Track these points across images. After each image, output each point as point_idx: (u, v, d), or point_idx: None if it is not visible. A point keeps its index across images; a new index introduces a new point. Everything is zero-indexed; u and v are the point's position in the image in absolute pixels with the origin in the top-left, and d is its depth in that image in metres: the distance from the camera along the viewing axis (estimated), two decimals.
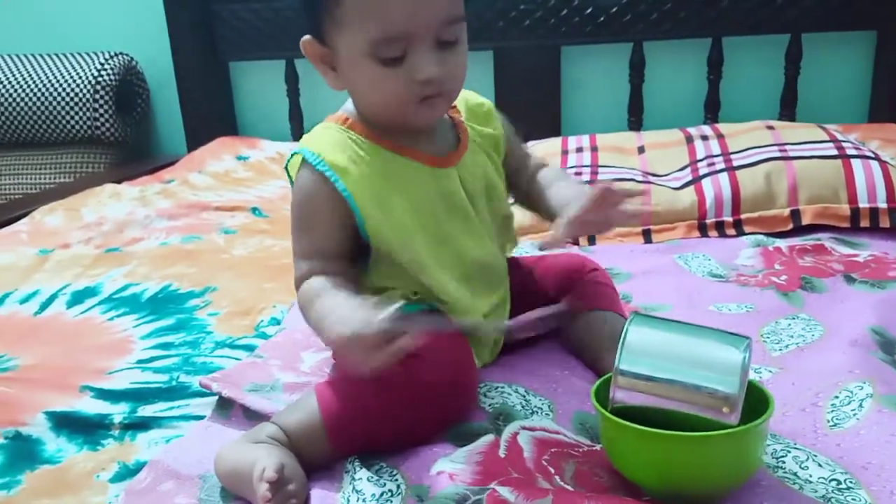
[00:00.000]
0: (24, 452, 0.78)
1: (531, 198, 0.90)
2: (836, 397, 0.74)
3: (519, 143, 0.92)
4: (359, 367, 0.66)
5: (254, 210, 1.55)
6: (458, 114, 0.85)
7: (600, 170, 1.36)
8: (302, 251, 0.78)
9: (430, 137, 0.81)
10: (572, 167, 1.39)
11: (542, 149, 1.52)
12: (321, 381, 0.75)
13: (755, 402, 0.63)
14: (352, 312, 0.66)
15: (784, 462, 0.66)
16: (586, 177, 1.34)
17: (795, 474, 0.64)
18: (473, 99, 0.86)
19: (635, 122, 1.77)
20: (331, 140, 0.77)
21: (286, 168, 0.80)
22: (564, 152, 1.47)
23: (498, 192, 0.86)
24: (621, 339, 0.64)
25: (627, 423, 0.61)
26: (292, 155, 0.78)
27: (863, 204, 1.21)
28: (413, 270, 0.77)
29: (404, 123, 0.77)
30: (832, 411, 0.73)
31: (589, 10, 1.71)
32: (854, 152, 1.27)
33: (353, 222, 0.75)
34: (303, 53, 0.78)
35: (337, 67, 0.77)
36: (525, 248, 1.20)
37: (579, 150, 1.47)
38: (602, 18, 1.71)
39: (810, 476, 0.64)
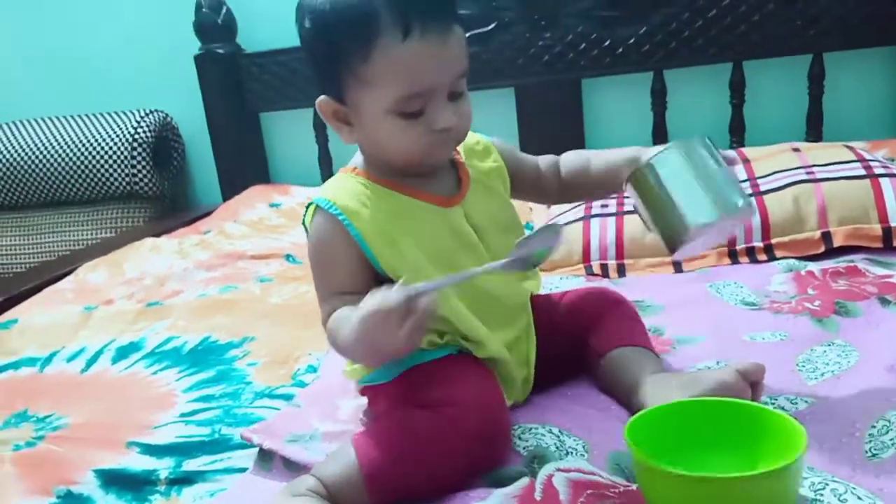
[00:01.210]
0: None
1: (574, 183, 0.95)
2: (874, 427, 0.74)
3: (524, 156, 0.95)
4: (389, 347, 0.69)
5: (287, 257, 1.59)
6: (458, 155, 0.87)
7: (626, 200, 1.37)
8: (324, 293, 0.81)
9: (436, 179, 0.84)
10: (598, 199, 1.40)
11: None
12: (358, 432, 0.76)
13: (789, 438, 0.63)
14: (367, 300, 0.69)
15: (822, 495, 0.65)
16: (612, 208, 1.35)
17: None
18: (469, 139, 0.89)
19: None
20: (341, 187, 0.81)
21: (303, 222, 0.83)
22: None
23: (510, 224, 0.88)
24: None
25: (662, 467, 0.61)
26: (307, 207, 0.81)
27: (894, 223, 1.19)
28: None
29: (420, 166, 0.81)
30: (870, 441, 0.72)
31: (607, 43, 1.73)
32: (882, 171, 1.26)
33: (368, 261, 0.79)
34: (318, 112, 0.82)
35: (354, 122, 0.80)
36: (555, 283, 1.21)
37: None
38: (621, 50, 1.72)
39: None
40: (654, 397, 0.76)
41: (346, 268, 0.79)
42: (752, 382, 0.76)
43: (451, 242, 0.82)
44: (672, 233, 0.76)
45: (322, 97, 0.80)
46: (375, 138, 0.79)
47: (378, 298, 0.67)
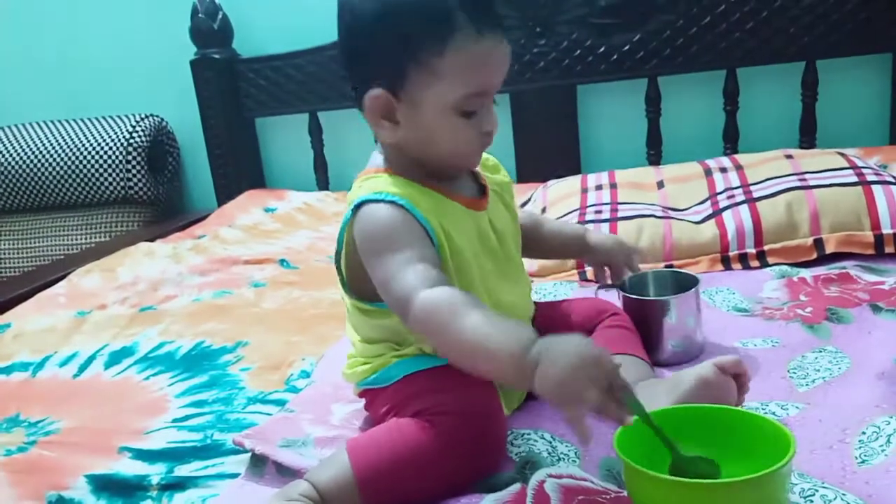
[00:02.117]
0: None
1: (542, 240, 1.00)
2: (864, 433, 0.74)
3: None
4: (573, 400, 0.60)
5: (282, 262, 1.59)
6: None
7: (620, 207, 1.37)
8: (402, 263, 0.72)
9: (460, 184, 0.85)
10: (592, 205, 1.40)
11: (561, 188, 1.54)
12: (351, 438, 0.76)
13: (778, 444, 0.63)
14: (565, 342, 0.62)
15: (812, 501, 0.65)
16: (606, 214, 1.35)
17: None
18: None
19: (654, 155, 1.79)
20: (387, 182, 0.79)
21: (344, 225, 0.80)
22: (584, 190, 1.48)
23: (517, 239, 0.91)
24: None
25: (651, 472, 0.61)
26: (355, 208, 0.77)
27: (886, 230, 1.20)
28: None
29: (461, 168, 0.84)
30: (860, 447, 0.72)
31: (602, 50, 1.74)
32: (874, 178, 1.27)
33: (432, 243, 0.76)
34: (364, 106, 0.78)
35: (402, 120, 0.78)
36: (549, 289, 1.22)
37: (598, 187, 1.48)
38: (615, 56, 1.73)
39: None
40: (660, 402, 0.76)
41: (422, 241, 0.75)
42: (734, 376, 0.76)
43: (478, 244, 0.83)
44: None
45: (377, 90, 0.77)
46: (430, 136, 0.78)
47: (589, 354, 0.60)
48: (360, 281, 0.81)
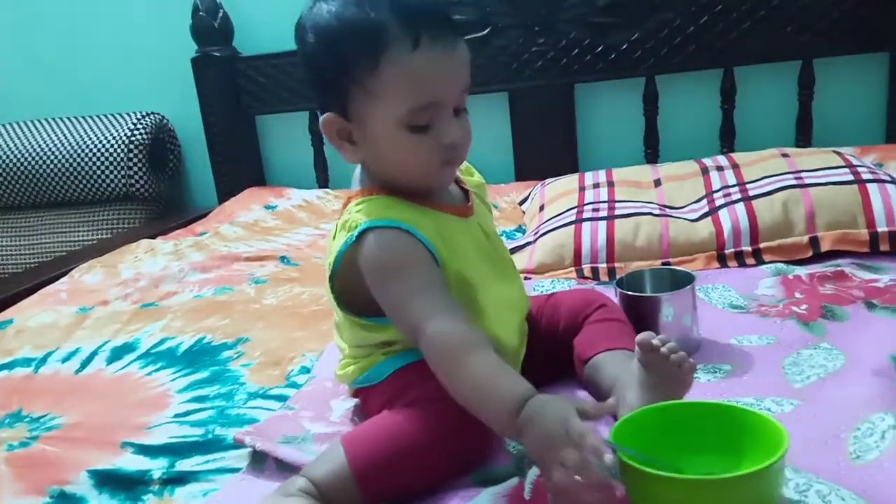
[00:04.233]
0: None
1: None
2: (858, 429, 0.75)
3: None
4: (551, 464, 0.61)
5: (282, 259, 1.60)
6: None
7: (617, 205, 1.38)
8: (412, 291, 0.74)
9: (446, 192, 0.86)
10: (589, 203, 1.41)
11: (559, 186, 1.55)
12: (346, 432, 0.77)
13: (772, 440, 0.64)
14: (554, 410, 0.63)
15: (807, 496, 0.66)
16: (604, 212, 1.36)
17: None
18: None
19: (651, 153, 1.80)
20: (383, 206, 0.79)
21: (344, 249, 0.78)
22: (581, 189, 1.49)
23: (498, 235, 0.93)
24: None
25: (646, 468, 0.62)
26: (356, 236, 0.77)
27: (881, 228, 1.21)
28: (472, 313, 0.80)
29: (427, 186, 0.82)
30: (854, 443, 0.73)
31: (600, 48, 1.74)
32: (870, 176, 1.28)
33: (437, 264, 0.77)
34: (321, 130, 0.81)
35: (357, 140, 0.79)
36: (546, 287, 1.22)
37: (596, 185, 1.49)
38: (613, 55, 1.74)
39: None
40: (632, 401, 0.77)
41: (429, 265, 0.77)
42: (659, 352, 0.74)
43: (474, 251, 0.84)
44: None
45: (328, 114, 0.79)
46: (383, 155, 0.79)
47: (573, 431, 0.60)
48: (354, 297, 0.82)
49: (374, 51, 0.74)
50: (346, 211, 0.82)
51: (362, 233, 0.77)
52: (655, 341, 0.74)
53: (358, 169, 0.86)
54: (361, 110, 0.77)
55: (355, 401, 0.91)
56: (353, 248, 0.78)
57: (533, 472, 0.72)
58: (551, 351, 0.91)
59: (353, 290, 0.81)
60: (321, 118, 0.80)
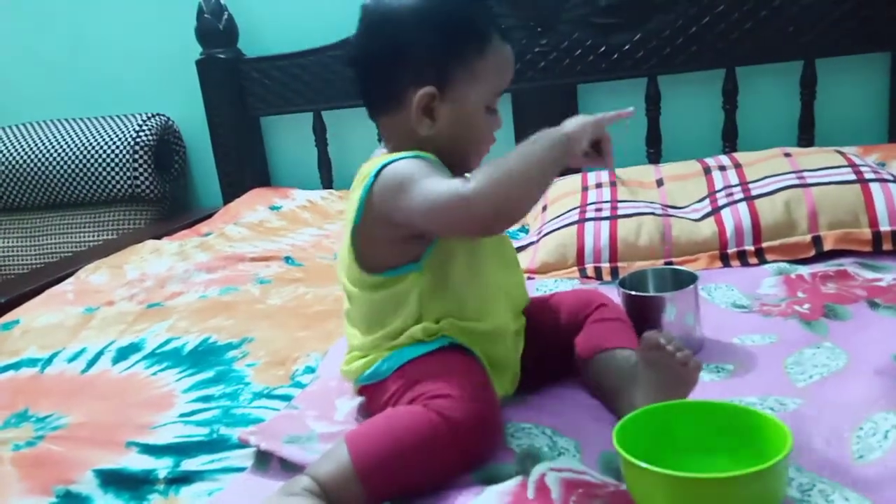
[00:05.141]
0: None
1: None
2: (861, 429, 0.75)
3: None
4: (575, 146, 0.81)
5: (287, 259, 1.60)
6: None
7: (620, 205, 1.38)
8: (439, 180, 0.78)
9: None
10: (592, 203, 1.41)
11: (562, 186, 1.55)
12: (350, 431, 0.77)
13: (776, 439, 0.64)
14: (568, 121, 0.83)
15: (810, 496, 0.66)
16: (606, 212, 1.37)
17: None
18: None
19: (654, 153, 1.80)
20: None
21: (365, 194, 0.82)
22: (584, 188, 1.49)
23: None
24: None
25: (649, 466, 0.62)
26: (377, 172, 0.81)
27: (884, 227, 1.21)
28: (476, 284, 0.84)
29: (472, 166, 0.88)
30: (858, 443, 0.73)
31: (603, 49, 1.75)
32: (872, 176, 1.28)
33: None
34: (413, 102, 0.83)
35: (439, 116, 0.84)
36: (549, 286, 1.23)
37: (598, 185, 1.49)
38: (616, 56, 1.74)
39: None
40: (636, 400, 0.77)
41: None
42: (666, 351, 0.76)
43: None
44: None
45: (428, 87, 0.82)
46: (463, 131, 0.85)
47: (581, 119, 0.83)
48: (376, 250, 0.84)
49: (483, 37, 0.83)
50: (363, 170, 0.85)
51: (381, 170, 0.80)
52: (661, 339, 0.76)
53: (378, 150, 0.90)
54: (459, 89, 0.83)
55: (360, 400, 0.91)
56: (372, 189, 0.81)
57: (536, 471, 0.73)
58: (551, 350, 0.91)
59: (375, 240, 0.83)
60: (420, 91, 0.82)
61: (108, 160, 2.09)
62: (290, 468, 0.81)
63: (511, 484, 0.71)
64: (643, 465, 0.62)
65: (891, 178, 1.29)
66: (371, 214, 0.82)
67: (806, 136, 1.70)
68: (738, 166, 1.43)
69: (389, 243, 0.83)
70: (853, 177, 1.28)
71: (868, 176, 1.28)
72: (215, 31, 2.01)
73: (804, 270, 1.17)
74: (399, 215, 0.79)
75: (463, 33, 0.83)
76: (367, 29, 0.86)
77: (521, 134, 1.83)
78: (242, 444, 0.87)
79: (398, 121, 0.85)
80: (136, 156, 2.08)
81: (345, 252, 0.87)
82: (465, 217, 0.75)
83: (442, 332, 0.83)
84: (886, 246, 1.20)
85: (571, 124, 0.82)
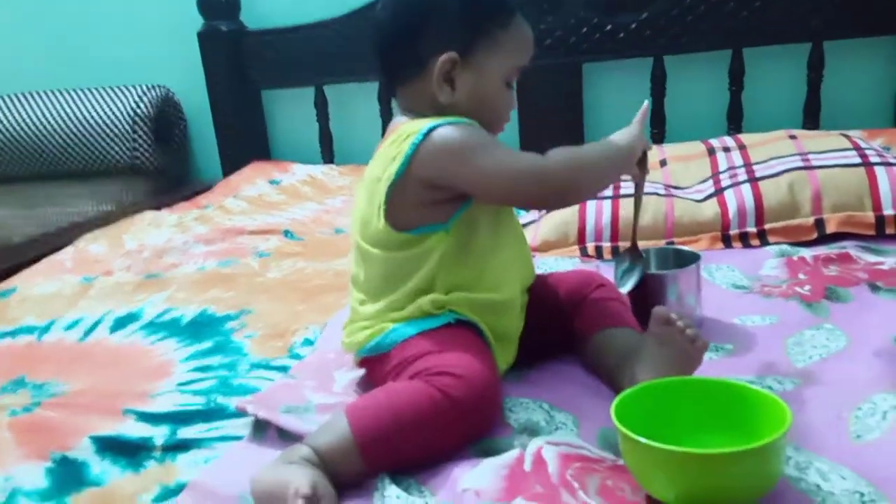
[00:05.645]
0: (71, 476, 0.81)
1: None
2: (860, 409, 0.75)
3: None
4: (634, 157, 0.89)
5: (286, 233, 1.60)
6: None
7: (622, 184, 1.37)
8: (508, 150, 0.83)
9: None
10: None
11: None
12: (350, 402, 0.77)
13: (775, 417, 0.64)
14: (621, 133, 0.90)
15: (807, 474, 0.66)
16: (609, 191, 1.36)
17: (818, 486, 0.65)
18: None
19: (658, 134, 1.78)
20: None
21: (410, 154, 0.82)
22: None
23: None
24: None
25: (647, 441, 0.62)
26: (426, 133, 0.81)
27: (887, 211, 1.20)
28: (486, 246, 0.85)
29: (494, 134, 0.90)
30: (856, 423, 0.73)
31: (609, 28, 1.73)
32: (877, 160, 1.27)
33: None
34: (435, 67, 0.84)
35: (459, 85, 0.85)
36: (550, 264, 1.22)
37: None
38: (622, 35, 1.73)
39: (833, 488, 0.64)
40: (639, 375, 0.77)
41: None
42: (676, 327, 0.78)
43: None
44: None
45: (450, 53, 0.84)
46: (482, 101, 0.86)
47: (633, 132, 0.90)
48: (403, 210, 0.83)
49: (510, 10, 0.86)
50: (400, 130, 0.85)
51: (429, 132, 0.81)
52: (672, 315, 0.77)
53: (398, 118, 0.90)
54: (481, 57, 0.85)
55: (359, 372, 0.91)
56: (419, 148, 0.81)
57: (533, 445, 0.73)
58: (550, 328, 0.91)
59: (404, 199, 0.83)
60: (442, 57, 0.83)
61: (108, 131, 2.07)
62: (287, 437, 0.81)
63: (508, 457, 0.71)
64: (642, 439, 0.62)
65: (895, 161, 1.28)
66: (411, 174, 0.82)
67: (811, 118, 1.69)
68: (742, 148, 1.42)
69: (418, 205, 0.83)
70: (858, 160, 1.27)
71: (873, 159, 1.27)
72: (217, 3, 1.99)
73: (806, 253, 1.17)
74: (454, 178, 0.81)
75: (491, 3, 0.85)
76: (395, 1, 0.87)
77: (525, 112, 1.83)
78: (239, 413, 0.87)
79: (419, 89, 0.86)
80: (136, 127, 2.06)
81: (370, 210, 0.86)
82: (538, 188, 0.81)
83: (449, 306, 0.83)
84: (889, 230, 1.20)
85: (625, 136, 0.89)
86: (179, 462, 0.82)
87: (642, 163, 0.92)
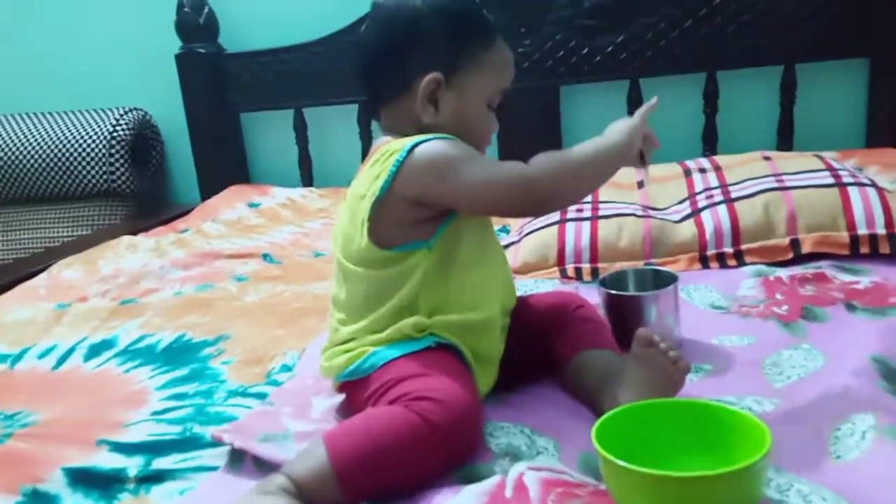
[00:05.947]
0: None
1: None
2: (839, 429, 0.75)
3: None
4: (632, 150, 0.87)
5: (265, 256, 1.59)
6: None
7: (601, 206, 1.38)
8: (491, 161, 0.84)
9: None
10: None
11: None
12: (328, 430, 0.76)
13: (755, 439, 0.64)
14: (618, 125, 0.87)
15: (788, 496, 0.66)
16: (587, 213, 1.36)
17: None
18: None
19: None
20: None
21: (394, 171, 0.82)
22: None
23: None
24: None
25: (627, 466, 0.62)
26: (409, 150, 0.81)
27: (861, 231, 1.22)
28: (468, 263, 0.85)
29: None
30: (835, 443, 0.73)
31: (586, 51, 1.75)
32: (850, 180, 1.29)
33: None
34: (420, 88, 0.84)
35: (443, 106, 0.86)
36: (529, 286, 1.22)
37: None
38: (598, 58, 1.75)
39: None
40: (621, 397, 0.77)
41: None
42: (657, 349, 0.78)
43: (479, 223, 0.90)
44: None
45: (435, 73, 0.84)
46: (463, 122, 0.87)
47: (629, 124, 0.87)
48: (385, 228, 0.83)
49: (493, 32, 0.88)
50: (383, 149, 0.85)
51: (412, 148, 0.81)
52: (655, 337, 0.77)
53: (381, 138, 0.90)
54: (465, 79, 0.86)
55: (338, 398, 0.90)
56: (403, 165, 0.81)
57: (515, 470, 0.72)
58: (529, 350, 0.91)
59: (386, 217, 0.83)
60: (427, 77, 0.84)
61: (84, 154, 2.05)
62: (264, 467, 0.79)
63: (489, 483, 0.70)
64: (622, 463, 0.62)
65: (868, 182, 1.30)
66: (395, 192, 0.82)
67: (785, 140, 1.72)
68: (718, 169, 1.44)
69: (402, 223, 0.83)
70: (832, 181, 1.29)
71: (846, 180, 1.29)
72: (195, 26, 1.99)
73: (782, 273, 1.18)
74: (439, 194, 0.82)
75: (474, 25, 0.87)
76: (382, 14, 0.88)
77: (504, 133, 1.81)
78: (216, 443, 0.85)
79: (402, 109, 0.86)
80: (113, 150, 2.05)
81: (353, 228, 0.86)
82: (523, 196, 0.81)
83: (431, 329, 0.82)
84: (864, 249, 1.21)
85: (622, 128, 0.87)
86: (154, 494, 0.80)
87: (645, 149, 0.91)
